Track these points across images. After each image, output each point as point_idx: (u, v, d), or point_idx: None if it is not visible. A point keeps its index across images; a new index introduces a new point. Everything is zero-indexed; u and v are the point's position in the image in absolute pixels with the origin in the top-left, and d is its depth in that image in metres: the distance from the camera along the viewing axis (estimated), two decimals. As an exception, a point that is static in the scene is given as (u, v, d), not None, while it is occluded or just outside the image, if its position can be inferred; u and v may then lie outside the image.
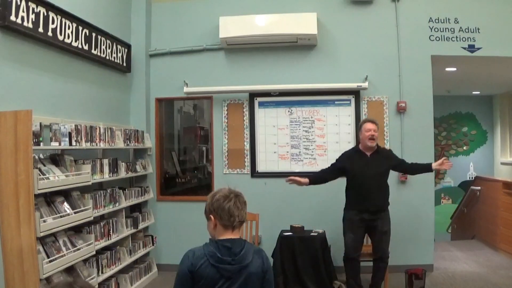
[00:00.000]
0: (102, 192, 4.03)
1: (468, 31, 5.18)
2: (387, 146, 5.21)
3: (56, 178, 3.23)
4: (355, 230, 4.17)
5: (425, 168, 4.35)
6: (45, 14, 3.57)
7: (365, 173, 4.14)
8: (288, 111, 5.42)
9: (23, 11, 3.29)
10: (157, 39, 5.58)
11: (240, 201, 2.00)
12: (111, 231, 4.12)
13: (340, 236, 4.38)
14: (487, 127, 9.34)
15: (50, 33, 3.65)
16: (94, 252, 3.65)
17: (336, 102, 5.37)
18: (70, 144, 3.46)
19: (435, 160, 4.56)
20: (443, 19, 5.21)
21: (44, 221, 3.03)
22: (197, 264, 1.89)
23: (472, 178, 8.67)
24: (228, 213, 1.95)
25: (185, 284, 1.90)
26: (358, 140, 5.22)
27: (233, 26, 5.15)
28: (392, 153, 4.45)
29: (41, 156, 3.36)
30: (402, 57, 5.24)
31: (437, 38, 5.21)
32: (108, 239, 4.06)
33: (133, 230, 4.59)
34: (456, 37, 5.19)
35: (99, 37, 4.51)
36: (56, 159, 3.44)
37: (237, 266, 1.90)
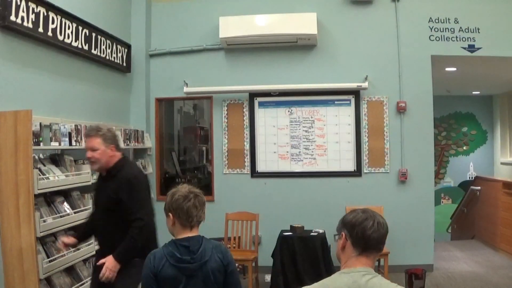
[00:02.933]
0: (102, 192, 4.02)
1: (468, 31, 5.18)
2: (387, 147, 5.21)
3: (56, 178, 3.23)
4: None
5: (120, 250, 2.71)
6: (45, 14, 3.57)
7: (95, 201, 3.09)
8: (288, 111, 5.42)
9: (23, 11, 3.28)
10: (157, 39, 5.58)
11: (199, 201, 2.03)
12: (111, 231, 4.11)
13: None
14: (487, 127, 9.33)
15: (50, 33, 3.64)
16: (94, 252, 3.64)
17: (336, 102, 5.36)
18: (70, 144, 3.46)
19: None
20: (443, 19, 5.22)
21: (44, 221, 3.03)
22: (158, 266, 1.93)
23: (472, 178, 8.66)
24: (186, 214, 2.00)
25: (150, 287, 1.93)
26: (361, 142, 5.23)
27: (233, 26, 5.15)
28: (131, 184, 2.73)
29: (41, 156, 3.36)
30: (402, 57, 5.24)
31: (437, 38, 5.21)
32: (108, 239, 4.05)
33: (133, 230, 4.57)
34: (456, 37, 5.20)
35: (99, 37, 4.51)
36: (56, 159, 3.44)
37: (197, 263, 1.94)
